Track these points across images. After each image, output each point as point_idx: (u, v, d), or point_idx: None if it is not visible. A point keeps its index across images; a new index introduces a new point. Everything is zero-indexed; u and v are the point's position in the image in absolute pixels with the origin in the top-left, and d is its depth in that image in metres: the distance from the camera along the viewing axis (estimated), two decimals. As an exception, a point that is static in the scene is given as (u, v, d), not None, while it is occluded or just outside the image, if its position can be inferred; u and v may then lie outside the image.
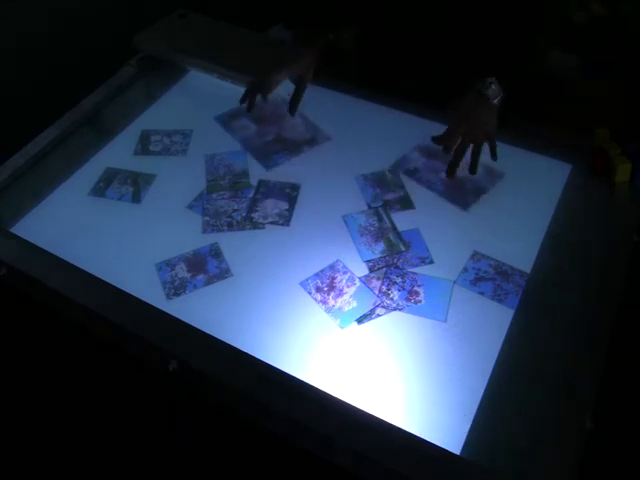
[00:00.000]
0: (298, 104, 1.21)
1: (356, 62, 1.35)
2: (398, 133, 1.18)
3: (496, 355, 0.85)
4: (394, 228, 1.02)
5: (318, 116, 1.23)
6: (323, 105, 1.24)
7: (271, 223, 1.04)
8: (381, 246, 0.99)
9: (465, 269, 0.95)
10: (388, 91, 1.23)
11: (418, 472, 0.72)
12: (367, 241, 1.00)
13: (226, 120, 1.26)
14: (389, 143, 1.16)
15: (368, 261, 0.97)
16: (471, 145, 1.05)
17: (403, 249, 0.99)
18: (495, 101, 1.06)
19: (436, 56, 1.17)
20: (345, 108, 1.24)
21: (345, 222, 1.03)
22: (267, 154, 1.17)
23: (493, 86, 1.06)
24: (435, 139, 1.08)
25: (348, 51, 1.35)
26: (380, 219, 1.03)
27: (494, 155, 1.06)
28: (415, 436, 0.75)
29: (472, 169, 1.05)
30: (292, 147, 1.19)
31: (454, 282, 0.94)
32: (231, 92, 1.27)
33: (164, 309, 0.90)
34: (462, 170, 1.08)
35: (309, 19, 1.25)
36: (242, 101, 1.22)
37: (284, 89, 1.23)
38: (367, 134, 1.18)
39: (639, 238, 0.98)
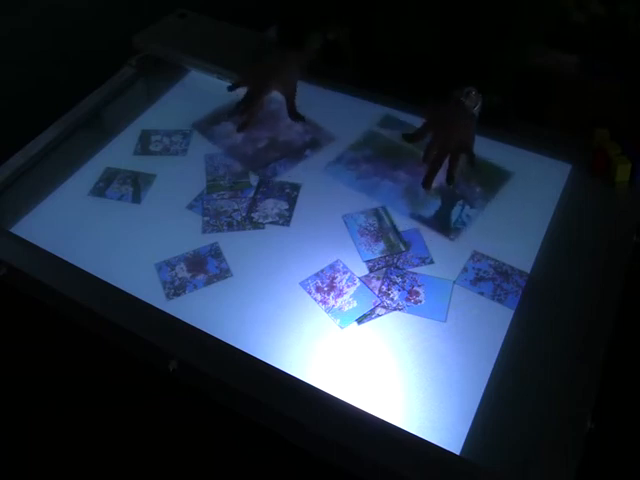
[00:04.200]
0: (295, 110, 1.18)
1: (353, 62, 1.35)
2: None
3: (496, 355, 0.85)
4: (394, 228, 1.02)
5: (316, 117, 1.21)
6: (322, 105, 1.23)
7: (271, 223, 1.04)
8: (381, 246, 0.99)
9: (465, 269, 0.95)
10: (386, 91, 1.23)
11: (418, 472, 0.72)
12: (367, 241, 1.00)
13: (205, 127, 1.21)
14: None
15: (368, 261, 0.97)
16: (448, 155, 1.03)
17: (403, 249, 0.99)
18: (474, 110, 1.05)
19: (425, 72, 1.16)
20: (344, 108, 1.23)
21: (345, 222, 1.03)
22: (263, 163, 1.13)
23: (472, 94, 1.04)
24: (405, 136, 1.07)
25: (346, 51, 1.35)
26: (380, 219, 1.03)
27: (472, 165, 1.04)
28: (415, 436, 0.75)
29: (449, 179, 1.02)
30: (291, 153, 1.14)
31: (454, 282, 0.94)
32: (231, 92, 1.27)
33: (164, 309, 0.90)
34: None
35: (302, 20, 1.23)
36: (230, 116, 1.18)
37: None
38: (366, 133, 1.18)
39: (639, 238, 0.98)
